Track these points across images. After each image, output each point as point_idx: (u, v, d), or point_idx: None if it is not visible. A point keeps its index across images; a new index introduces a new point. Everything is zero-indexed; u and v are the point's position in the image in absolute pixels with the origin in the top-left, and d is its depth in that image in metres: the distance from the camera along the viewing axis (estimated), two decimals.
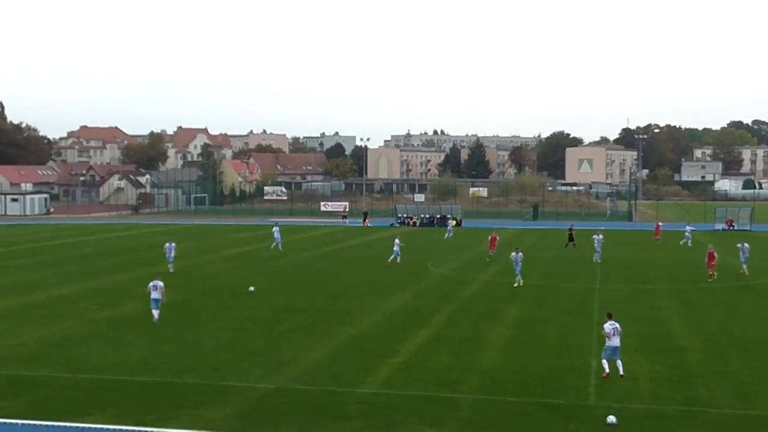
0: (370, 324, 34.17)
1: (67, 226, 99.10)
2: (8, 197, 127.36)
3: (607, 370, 24.97)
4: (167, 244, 51.70)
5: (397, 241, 56.99)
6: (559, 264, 56.98)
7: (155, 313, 33.59)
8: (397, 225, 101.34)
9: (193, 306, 38.54)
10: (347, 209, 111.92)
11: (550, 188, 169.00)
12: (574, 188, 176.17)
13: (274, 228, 67.82)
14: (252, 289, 42.72)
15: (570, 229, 69.81)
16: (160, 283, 34.03)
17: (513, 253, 46.46)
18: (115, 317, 35.62)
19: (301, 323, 34.14)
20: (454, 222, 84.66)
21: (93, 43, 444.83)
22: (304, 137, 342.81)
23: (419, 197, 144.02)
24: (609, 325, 25.53)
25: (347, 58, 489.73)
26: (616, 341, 25.20)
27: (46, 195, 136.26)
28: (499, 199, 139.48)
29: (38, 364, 26.83)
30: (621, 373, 24.79)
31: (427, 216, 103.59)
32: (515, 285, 44.48)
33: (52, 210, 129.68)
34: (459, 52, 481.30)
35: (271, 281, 47.45)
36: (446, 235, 78.65)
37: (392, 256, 55.55)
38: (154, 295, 33.73)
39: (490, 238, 60.46)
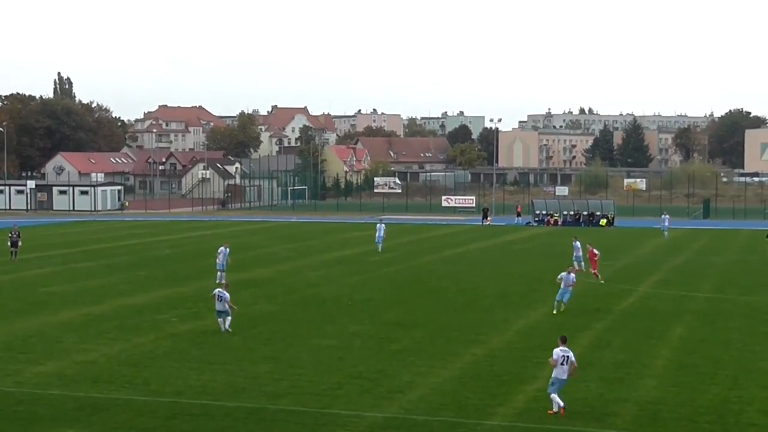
0: (501, 343, 34.01)
1: (144, 223, 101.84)
2: (77, 189, 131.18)
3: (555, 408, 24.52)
4: (221, 248, 50.57)
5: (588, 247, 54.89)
6: (736, 272, 55.67)
7: (221, 322, 35.25)
8: (535, 224, 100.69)
9: (290, 319, 39.07)
10: (490, 208, 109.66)
11: (724, 179, 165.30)
12: (756, 179, 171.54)
13: (379, 225, 68.86)
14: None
15: None
16: (226, 294, 35.15)
17: (575, 242, 54.85)
18: (198, 331, 36.37)
19: (418, 341, 34.21)
20: (668, 218, 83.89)
21: (174, 9, 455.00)
22: (423, 118, 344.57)
23: (562, 190, 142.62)
24: (559, 351, 24.98)
25: (473, 21, 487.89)
26: (563, 373, 24.77)
27: (119, 187, 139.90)
28: (660, 193, 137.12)
29: (110, 386, 27.60)
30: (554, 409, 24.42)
31: (572, 213, 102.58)
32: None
33: (126, 204, 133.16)
34: (608, 11, 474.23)
35: (382, 291, 47.73)
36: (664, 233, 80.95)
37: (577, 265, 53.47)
38: (219, 306, 35.08)
39: (588, 252, 53.19)
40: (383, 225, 69.08)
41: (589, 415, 24.56)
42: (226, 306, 34.88)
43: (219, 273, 49.25)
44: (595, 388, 27.30)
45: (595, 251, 51.44)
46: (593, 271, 50.90)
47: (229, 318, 35.15)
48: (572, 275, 44.20)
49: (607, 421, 24.07)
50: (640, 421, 24.18)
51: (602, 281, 49.70)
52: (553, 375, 24.96)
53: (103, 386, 27.48)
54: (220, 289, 35.61)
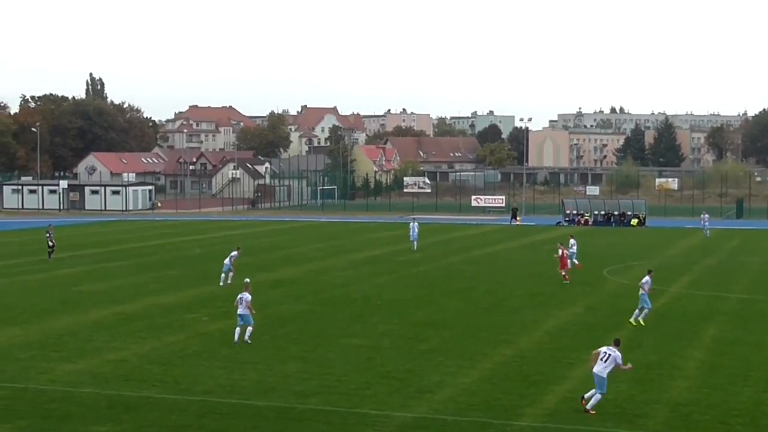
0: (531, 344, 33.94)
1: (174, 222, 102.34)
2: (108, 189, 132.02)
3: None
4: (233, 252, 49.84)
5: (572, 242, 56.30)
6: None
7: (238, 331, 33.64)
8: (565, 223, 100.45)
9: (319, 319, 39.16)
10: (518, 209, 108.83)
11: (758, 179, 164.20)
12: None
13: (412, 224, 69.53)
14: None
15: None
16: (247, 296, 33.93)
17: (571, 239, 55.92)
18: (228, 330, 36.44)
19: (447, 341, 34.21)
20: (707, 217, 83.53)
21: (203, 11, 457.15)
22: (452, 118, 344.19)
23: (593, 190, 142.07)
24: (604, 348, 25.60)
25: (503, 21, 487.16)
26: (600, 370, 24.90)
27: (151, 186, 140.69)
28: (693, 193, 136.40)
29: (141, 384, 27.78)
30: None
31: (603, 213, 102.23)
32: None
33: (158, 204, 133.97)
34: (640, 10, 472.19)
35: (411, 290, 47.75)
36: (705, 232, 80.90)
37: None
38: (240, 310, 33.73)
39: (558, 253, 51.05)
40: (416, 223, 69.82)
41: (619, 417, 24.48)
42: (246, 310, 33.62)
43: (223, 275, 48.88)
44: (626, 389, 27.20)
45: (566, 251, 51.03)
46: (562, 272, 49.83)
47: (250, 327, 33.64)
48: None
49: (638, 423, 23.98)
50: (671, 422, 24.07)
51: (566, 282, 49.10)
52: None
53: (134, 384, 27.66)
54: (243, 292, 34.28)
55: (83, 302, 43.26)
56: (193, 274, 53.52)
